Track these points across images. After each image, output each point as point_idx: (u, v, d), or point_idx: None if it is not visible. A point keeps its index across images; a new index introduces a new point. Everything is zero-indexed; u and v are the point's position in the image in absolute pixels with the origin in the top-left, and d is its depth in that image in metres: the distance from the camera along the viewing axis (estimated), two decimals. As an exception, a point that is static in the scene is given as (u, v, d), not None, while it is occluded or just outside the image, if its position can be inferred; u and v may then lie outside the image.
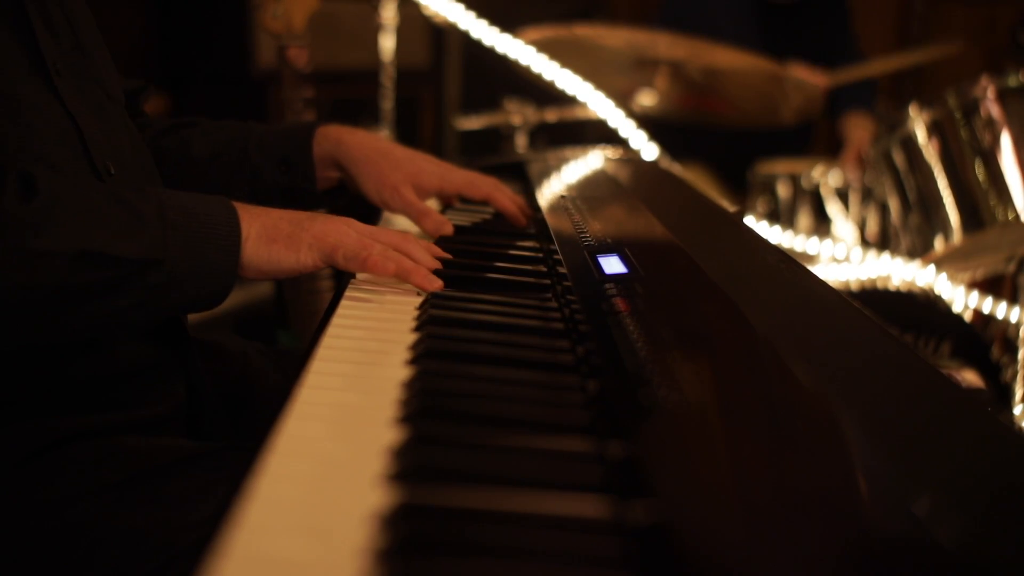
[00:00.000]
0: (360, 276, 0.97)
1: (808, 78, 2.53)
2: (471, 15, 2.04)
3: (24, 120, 0.84)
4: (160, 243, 0.80)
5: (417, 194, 1.20)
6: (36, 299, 0.76)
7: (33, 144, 0.85)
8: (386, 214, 1.27)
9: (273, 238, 0.89)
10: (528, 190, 1.42)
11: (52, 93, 0.88)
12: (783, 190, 2.75)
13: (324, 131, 1.20)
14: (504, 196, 1.26)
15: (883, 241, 2.45)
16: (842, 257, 2.03)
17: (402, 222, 1.24)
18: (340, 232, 0.92)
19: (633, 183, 1.48)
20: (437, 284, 0.93)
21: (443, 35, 3.44)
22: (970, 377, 1.82)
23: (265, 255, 0.88)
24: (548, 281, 1.00)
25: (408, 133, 3.22)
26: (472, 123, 2.74)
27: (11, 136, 0.83)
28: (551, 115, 2.65)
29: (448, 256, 1.01)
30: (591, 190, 1.39)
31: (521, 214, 1.26)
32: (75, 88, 0.91)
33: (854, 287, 1.98)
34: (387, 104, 2.47)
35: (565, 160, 1.64)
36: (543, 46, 2.12)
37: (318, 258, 0.91)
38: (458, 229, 1.17)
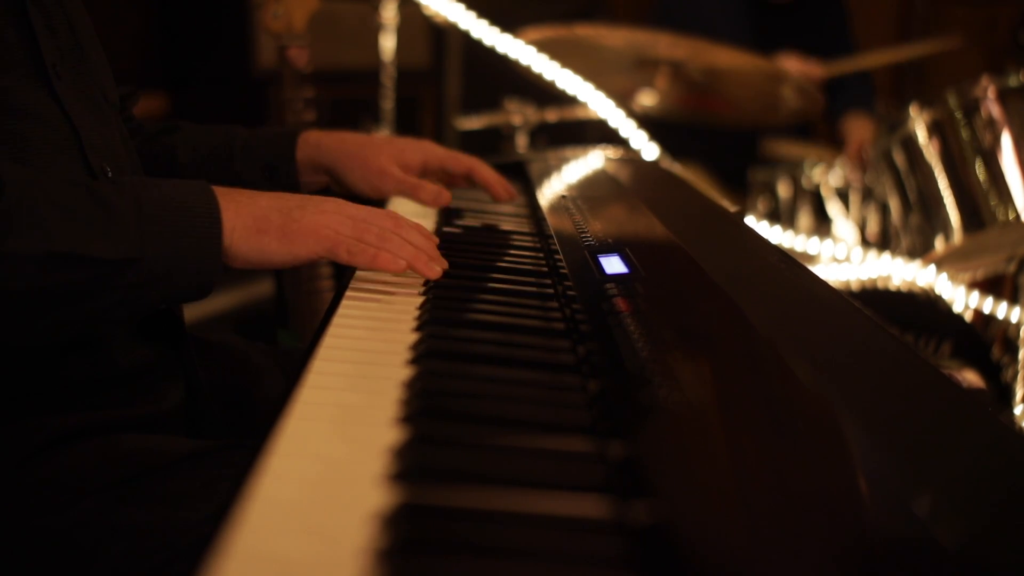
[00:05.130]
0: (360, 273, 0.97)
1: (802, 69, 2.52)
2: (471, 15, 2.04)
3: (21, 122, 0.84)
4: (136, 241, 0.78)
5: (404, 172, 1.23)
6: (8, 303, 0.74)
7: (29, 146, 0.84)
8: None
9: (262, 229, 0.86)
10: (529, 190, 1.42)
11: (51, 95, 0.87)
12: (783, 190, 2.75)
13: (305, 136, 1.22)
14: (485, 169, 1.30)
15: (883, 241, 2.45)
16: (842, 257, 2.03)
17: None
18: (335, 222, 0.90)
19: (633, 183, 1.48)
20: (438, 271, 0.94)
21: (443, 35, 3.44)
22: (970, 377, 1.82)
23: (255, 247, 0.86)
24: (549, 281, 1.00)
25: (408, 133, 3.18)
26: (472, 123, 2.74)
27: (7, 138, 0.83)
28: (551, 115, 2.64)
29: (436, 239, 1.00)
30: (592, 190, 1.39)
31: (503, 189, 1.30)
32: (74, 91, 0.91)
33: (854, 287, 1.98)
34: (387, 104, 2.47)
35: (565, 160, 1.64)
36: (543, 46, 2.12)
37: (315, 251, 0.89)
38: (458, 229, 1.17)
